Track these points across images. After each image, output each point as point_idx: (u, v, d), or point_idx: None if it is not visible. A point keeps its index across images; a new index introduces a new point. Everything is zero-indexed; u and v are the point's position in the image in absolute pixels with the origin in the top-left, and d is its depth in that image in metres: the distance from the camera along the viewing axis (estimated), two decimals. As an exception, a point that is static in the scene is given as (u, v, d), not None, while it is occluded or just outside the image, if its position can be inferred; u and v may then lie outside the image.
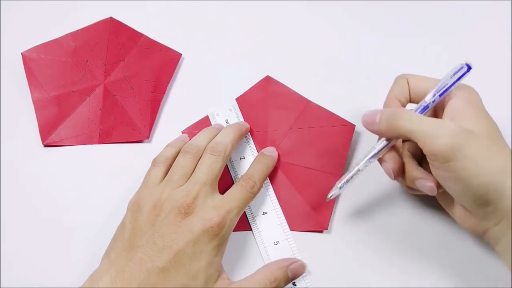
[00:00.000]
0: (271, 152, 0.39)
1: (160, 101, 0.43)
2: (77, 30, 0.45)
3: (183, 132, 0.41)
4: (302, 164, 0.39)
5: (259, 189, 0.36)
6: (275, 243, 0.37)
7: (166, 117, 0.43)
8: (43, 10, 0.48)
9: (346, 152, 0.39)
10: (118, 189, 0.39)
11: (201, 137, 0.38)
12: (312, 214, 0.38)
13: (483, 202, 0.29)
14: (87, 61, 0.44)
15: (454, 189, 0.30)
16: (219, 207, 0.33)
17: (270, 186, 0.39)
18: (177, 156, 0.37)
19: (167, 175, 0.36)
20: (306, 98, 0.41)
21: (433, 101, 0.32)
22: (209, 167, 0.35)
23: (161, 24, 0.47)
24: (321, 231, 0.37)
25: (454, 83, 0.32)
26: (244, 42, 0.46)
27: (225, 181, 0.38)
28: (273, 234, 0.37)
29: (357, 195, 0.35)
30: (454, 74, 0.32)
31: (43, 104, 0.42)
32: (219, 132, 0.38)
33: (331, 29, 0.46)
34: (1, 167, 0.41)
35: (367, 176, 0.37)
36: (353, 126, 0.40)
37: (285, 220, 0.37)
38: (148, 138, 0.42)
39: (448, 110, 0.32)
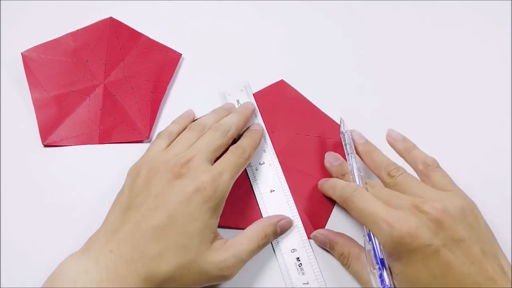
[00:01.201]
0: (256, 126, 0.40)
1: (160, 101, 0.43)
2: (77, 30, 0.45)
3: None
4: (304, 171, 0.39)
5: (249, 156, 0.37)
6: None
7: (166, 117, 0.43)
8: (43, 10, 0.48)
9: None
10: (118, 189, 0.39)
11: (208, 117, 0.39)
12: (306, 222, 0.37)
13: None
14: (87, 61, 0.44)
15: None
16: (211, 170, 0.33)
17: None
18: (181, 133, 0.38)
19: (170, 145, 0.36)
20: (317, 108, 0.42)
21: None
22: (209, 140, 0.36)
23: (161, 24, 0.47)
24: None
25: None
26: (244, 42, 0.46)
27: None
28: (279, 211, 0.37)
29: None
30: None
31: (43, 104, 0.42)
32: (226, 114, 0.39)
33: (332, 29, 0.46)
34: (1, 167, 0.41)
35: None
36: None
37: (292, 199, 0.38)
38: (148, 138, 0.42)
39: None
